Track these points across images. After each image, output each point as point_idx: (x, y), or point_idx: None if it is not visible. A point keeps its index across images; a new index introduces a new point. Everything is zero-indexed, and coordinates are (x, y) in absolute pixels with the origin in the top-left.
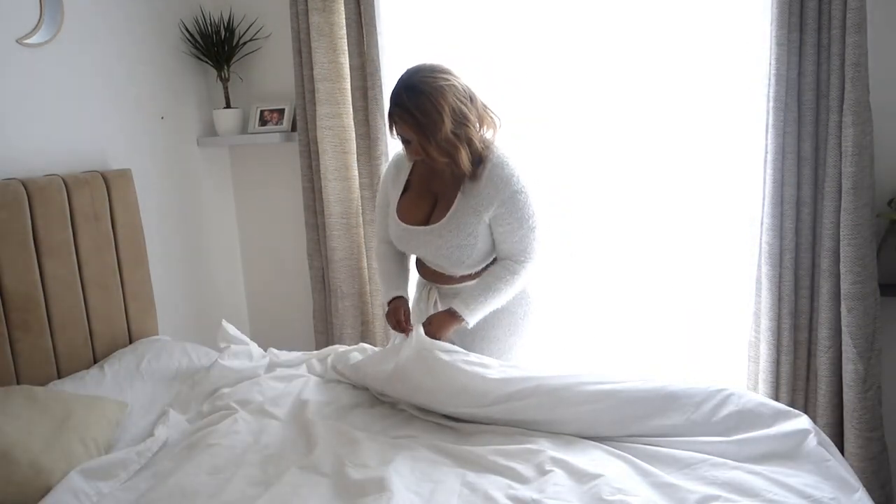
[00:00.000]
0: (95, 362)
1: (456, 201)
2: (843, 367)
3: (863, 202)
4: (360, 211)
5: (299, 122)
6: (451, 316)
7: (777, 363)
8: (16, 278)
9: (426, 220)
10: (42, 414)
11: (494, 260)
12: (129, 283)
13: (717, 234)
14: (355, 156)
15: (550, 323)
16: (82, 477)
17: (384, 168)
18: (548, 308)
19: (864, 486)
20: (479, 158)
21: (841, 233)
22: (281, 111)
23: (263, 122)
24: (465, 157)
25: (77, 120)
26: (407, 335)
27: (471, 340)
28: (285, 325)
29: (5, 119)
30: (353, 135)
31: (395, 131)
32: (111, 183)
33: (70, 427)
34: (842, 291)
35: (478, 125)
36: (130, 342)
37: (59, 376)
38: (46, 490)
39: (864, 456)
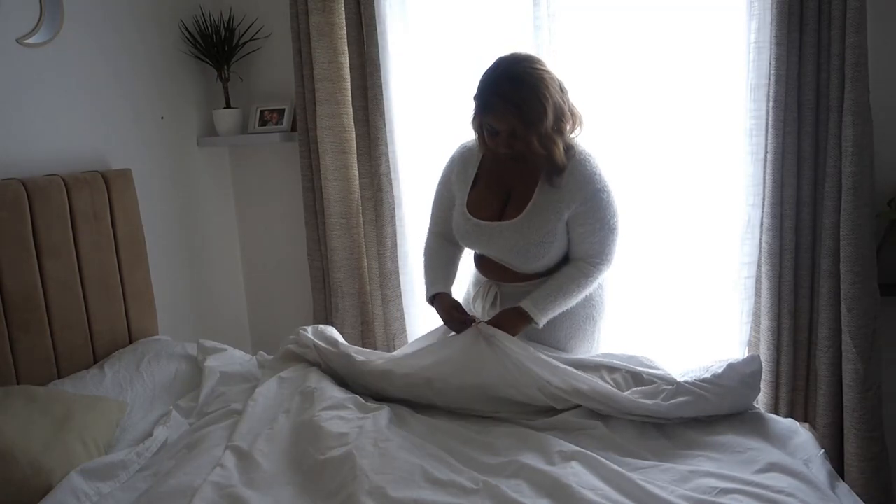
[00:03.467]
0: (95, 362)
1: (534, 196)
2: (843, 367)
3: (863, 202)
4: (360, 211)
5: (299, 122)
6: (521, 316)
7: (777, 363)
8: (16, 278)
9: (498, 216)
10: (42, 414)
11: (565, 258)
12: (129, 283)
13: (716, 234)
14: (355, 156)
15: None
16: (82, 477)
17: (385, 167)
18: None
19: (864, 486)
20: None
21: (841, 233)
22: (281, 111)
23: (263, 122)
24: (560, 152)
25: (77, 120)
26: (477, 327)
27: (528, 342)
28: (285, 325)
29: (5, 119)
30: (353, 135)
31: (487, 121)
32: (111, 183)
33: (70, 427)
34: (842, 291)
35: (571, 120)
36: (130, 342)
37: (59, 376)
38: (46, 490)
39: (864, 456)
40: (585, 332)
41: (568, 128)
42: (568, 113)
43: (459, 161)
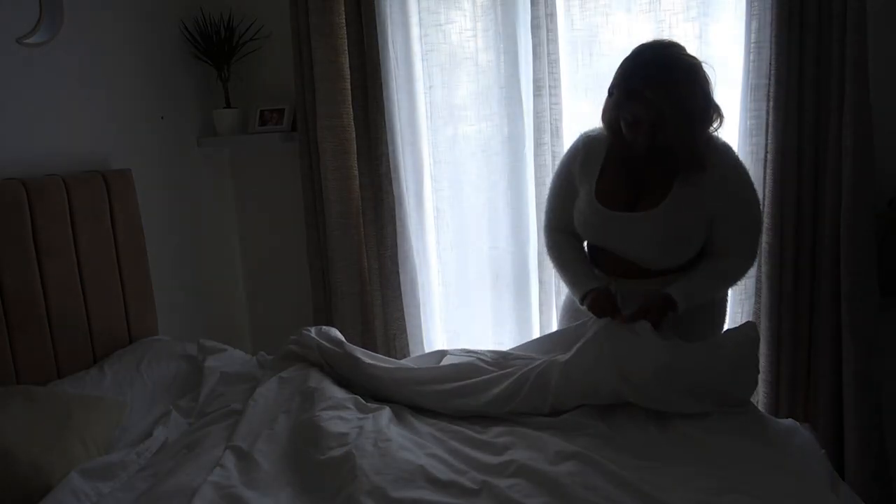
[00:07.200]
0: (95, 362)
1: (673, 188)
2: (843, 367)
3: (863, 202)
4: (360, 211)
5: (299, 122)
6: (667, 302)
7: (777, 363)
8: (16, 278)
9: (630, 208)
10: (42, 414)
11: (697, 256)
12: (129, 283)
13: None
14: (355, 156)
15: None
16: (82, 477)
17: (385, 167)
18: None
19: (864, 485)
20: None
21: (841, 233)
22: (281, 111)
23: (263, 122)
24: (702, 145)
25: (77, 120)
26: (622, 321)
27: (671, 333)
28: (285, 325)
29: (5, 119)
30: (353, 135)
31: (631, 110)
32: (111, 183)
33: (70, 427)
34: (842, 291)
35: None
36: (130, 342)
37: (59, 376)
38: (46, 490)
39: (865, 455)
40: (720, 322)
41: (712, 119)
42: (714, 104)
43: (584, 151)
